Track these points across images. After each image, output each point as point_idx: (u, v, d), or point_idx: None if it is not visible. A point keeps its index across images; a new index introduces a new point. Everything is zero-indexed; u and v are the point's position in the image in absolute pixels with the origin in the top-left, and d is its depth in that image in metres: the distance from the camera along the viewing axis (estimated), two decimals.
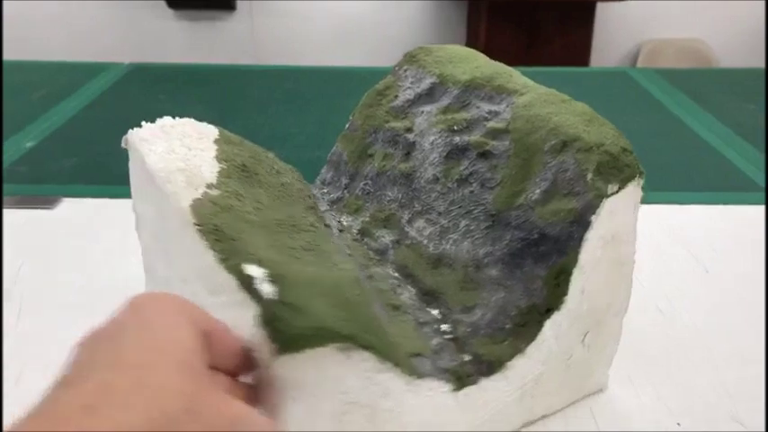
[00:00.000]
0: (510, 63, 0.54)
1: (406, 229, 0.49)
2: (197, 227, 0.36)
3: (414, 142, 0.51)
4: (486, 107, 0.49)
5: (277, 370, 0.32)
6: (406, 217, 0.49)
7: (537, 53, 2.38)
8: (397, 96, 0.53)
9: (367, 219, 0.51)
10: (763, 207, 0.80)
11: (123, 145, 0.44)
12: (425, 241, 0.48)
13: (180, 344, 0.28)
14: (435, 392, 0.39)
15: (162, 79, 1.30)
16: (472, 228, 0.46)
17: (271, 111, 1.13)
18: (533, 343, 0.42)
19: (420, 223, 0.48)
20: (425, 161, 0.50)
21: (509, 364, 0.42)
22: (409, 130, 0.52)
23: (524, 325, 0.42)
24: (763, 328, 0.59)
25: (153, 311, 0.29)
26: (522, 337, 0.42)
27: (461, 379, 0.40)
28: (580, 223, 0.41)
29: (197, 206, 0.38)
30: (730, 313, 0.61)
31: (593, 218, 0.41)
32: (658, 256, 0.70)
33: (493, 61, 0.54)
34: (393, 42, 2.64)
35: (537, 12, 2.40)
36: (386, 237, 0.49)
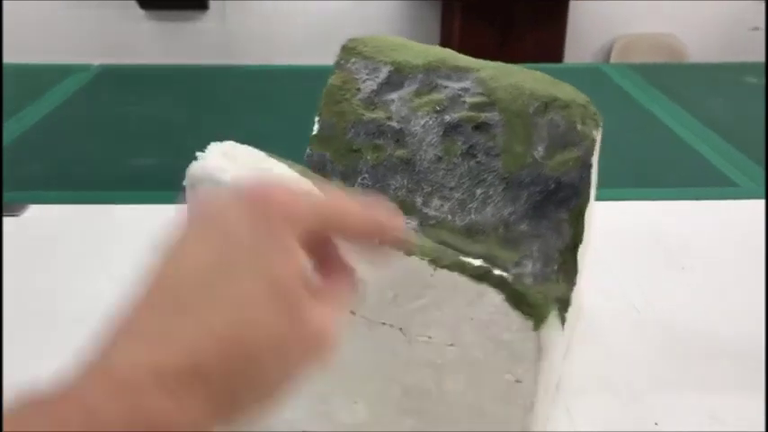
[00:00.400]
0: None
1: (424, 210, 0.51)
2: None
3: (401, 129, 0.52)
4: (454, 85, 0.53)
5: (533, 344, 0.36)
6: (419, 200, 0.51)
7: (510, 50, 2.38)
8: (359, 89, 0.54)
9: None
10: (737, 202, 0.81)
11: (185, 182, 0.39)
12: (449, 216, 0.50)
13: (283, 271, 0.28)
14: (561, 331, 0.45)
15: (132, 81, 1.24)
16: (490, 193, 0.50)
17: (245, 111, 1.11)
18: (576, 275, 0.49)
19: (435, 202, 0.51)
20: (423, 143, 0.52)
21: (570, 298, 0.48)
22: (389, 118, 0.53)
23: (566, 262, 0.48)
24: (748, 325, 0.59)
25: (262, 221, 0.29)
26: (569, 273, 0.48)
27: (563, 318, 0.46)
28: (585, 166, 0.49)
29: None
30: (706, 310, 0.62)
31: (592, 160, 0.49)
32: (633, 252, 0.70)
33: (426, 45, 0.57)
34: None
35: (510, 9, 2.41)
36: (409, 222, 0.51)
